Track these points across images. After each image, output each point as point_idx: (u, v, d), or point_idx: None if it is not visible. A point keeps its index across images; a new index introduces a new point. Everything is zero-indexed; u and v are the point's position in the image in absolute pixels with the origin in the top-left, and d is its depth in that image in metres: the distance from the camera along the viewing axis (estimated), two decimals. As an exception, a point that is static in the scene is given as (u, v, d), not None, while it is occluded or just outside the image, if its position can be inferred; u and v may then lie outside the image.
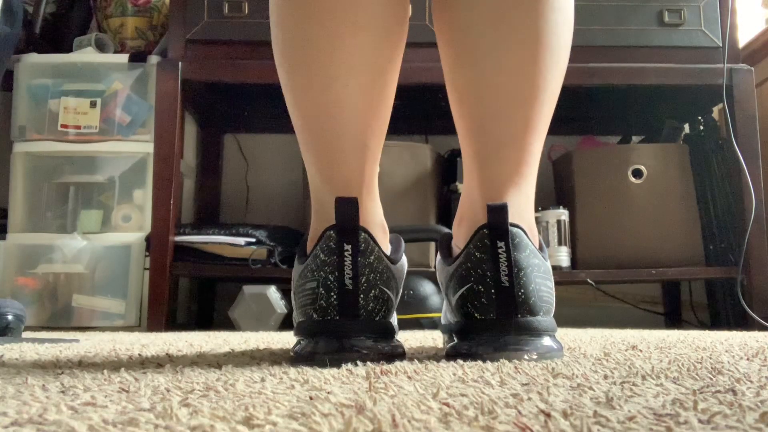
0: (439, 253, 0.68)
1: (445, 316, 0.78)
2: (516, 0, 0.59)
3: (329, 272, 0.57)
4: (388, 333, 0.60)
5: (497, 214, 0.58)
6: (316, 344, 0.57)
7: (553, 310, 0.61)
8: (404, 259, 0.66)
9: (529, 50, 0.59)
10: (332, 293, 0.57)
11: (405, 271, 0.66)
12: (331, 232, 0.58)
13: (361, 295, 0.57)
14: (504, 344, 0.57)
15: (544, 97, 0.61)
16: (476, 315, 0.59)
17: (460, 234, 0.65)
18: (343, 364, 0.53)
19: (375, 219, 0.64)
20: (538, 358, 0.57)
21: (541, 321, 0.58)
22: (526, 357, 0.57)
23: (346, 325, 0.57)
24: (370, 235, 0.59)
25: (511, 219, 0.58)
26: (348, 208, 0.58)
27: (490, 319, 0.58)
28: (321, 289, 0.58)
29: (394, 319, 0.63)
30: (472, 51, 0.61)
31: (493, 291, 0.58)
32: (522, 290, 0.58)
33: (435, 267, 0.70)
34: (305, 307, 0.59)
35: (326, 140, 0.62)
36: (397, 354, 0.60)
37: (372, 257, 0.59)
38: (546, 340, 0.58)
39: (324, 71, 0.60)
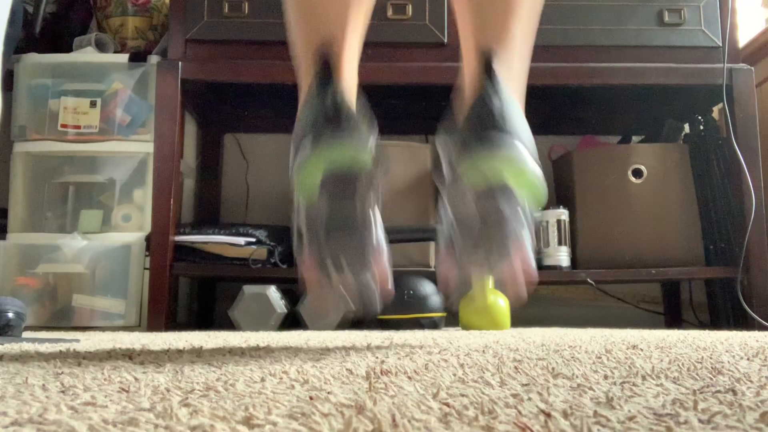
0: (441, 131, 0.75)
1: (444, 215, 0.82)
2: None
3: (321, 101, 0.67)
4: (372, 132, 0.70)
5: (486, 57, 0.68)
6: (315, 136, 0.67)
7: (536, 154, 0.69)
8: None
9: None
10: (325, 108, 0.67)
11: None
12: (316, 80, 0.69)
13: (345, 106, 0.67)
14: (485, 138, 0.65)
15: None
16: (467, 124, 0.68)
17: (458, 102, 0.72)
18: (343, 364, 0.54)
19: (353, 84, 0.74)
20: (512, 155, 0.65)
21: (522, 139, 0.66)
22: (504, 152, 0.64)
23: (340, 118, 0.66)
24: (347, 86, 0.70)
25: (498, 71, 0.68)
26: (327, 54, 0.69)
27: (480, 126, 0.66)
28: (315, 113, 0.67)
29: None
30: None
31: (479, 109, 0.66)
32: (507, 117, 0.66)
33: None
34: (301, 127, 0.69)
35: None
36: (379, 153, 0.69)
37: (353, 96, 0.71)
38: (524, 151, 0.66)
39: None
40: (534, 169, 0.67)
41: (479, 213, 0.68)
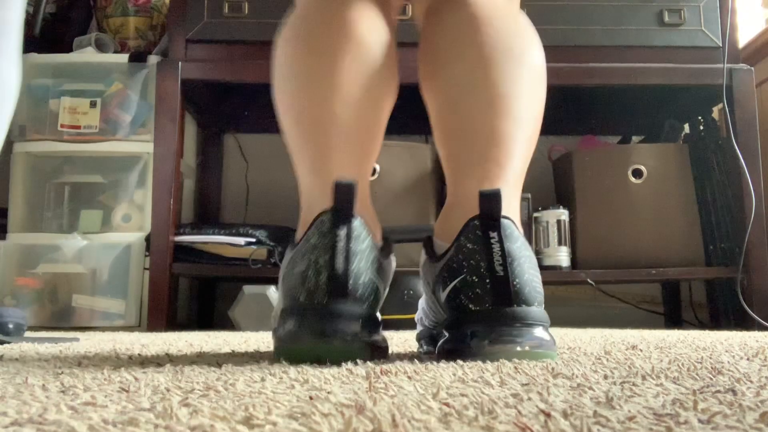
0: (424, 254, 0.68)
1: (422, 321, 0.77)
2: (482, 63, 0.67)
3: (320, 255, 0.57)
4: (374, 324, 0.60)
5: (490, 202, 0.59)
6: (300, 326, 0.57)
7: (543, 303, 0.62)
8: (393, 260, 0.66)
9: (496, 89, 0.67)
10: (321, 276, 0.57)
11: (393, 271, 0.66)
12: (325, 216, 0.58)
13: (351, 280, 0.57)
14: (498, 335, 0.57)
15: (516, 113, 0.66)
16: (470, 306, 0.58)
17: (446, 230, 0.65)
18: (344, 364, 0.54)
19: (369, 211, 0.65)
20: (530, 349, 0.57)
21: (535, 311, 0.58)
22: (518, 348, 0.57)
23: (332, 308, 0.56)
24: (364, 222, 0.59)
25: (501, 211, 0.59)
26: (345, 191, 0.58)
27: (485, 309, 0.58)
28: (310, 272, 0.57)
29: (379, 316, 0.63)
30: (452, 96, 0.69)
31: (488, 281, 0.58)
32: (517, 280, 0.58)
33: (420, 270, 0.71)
34: (292, 290, 0.58)
35: (319, 138, 0.65)
36: (379, 347, 0.60)
37: (365, 244, 0.59)
38: (539, 331, 0.59)
39: (320, 92, 0.65)
40: (546, 345, 0.59)
41: None
